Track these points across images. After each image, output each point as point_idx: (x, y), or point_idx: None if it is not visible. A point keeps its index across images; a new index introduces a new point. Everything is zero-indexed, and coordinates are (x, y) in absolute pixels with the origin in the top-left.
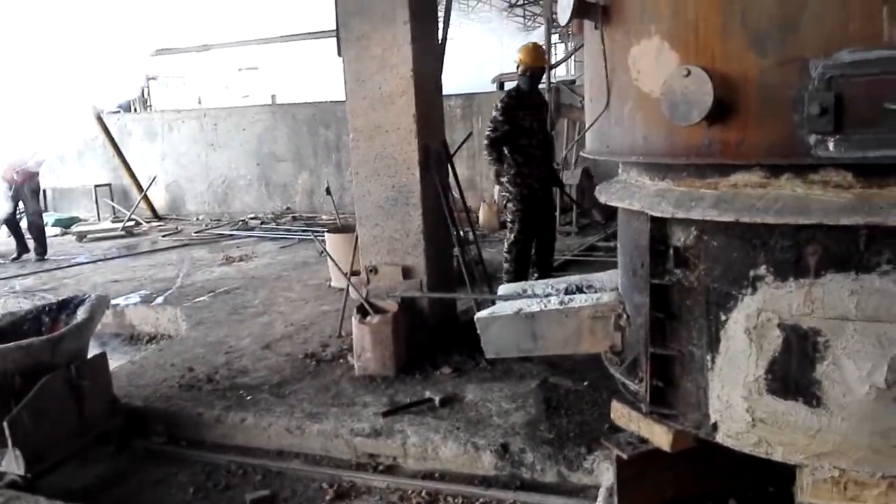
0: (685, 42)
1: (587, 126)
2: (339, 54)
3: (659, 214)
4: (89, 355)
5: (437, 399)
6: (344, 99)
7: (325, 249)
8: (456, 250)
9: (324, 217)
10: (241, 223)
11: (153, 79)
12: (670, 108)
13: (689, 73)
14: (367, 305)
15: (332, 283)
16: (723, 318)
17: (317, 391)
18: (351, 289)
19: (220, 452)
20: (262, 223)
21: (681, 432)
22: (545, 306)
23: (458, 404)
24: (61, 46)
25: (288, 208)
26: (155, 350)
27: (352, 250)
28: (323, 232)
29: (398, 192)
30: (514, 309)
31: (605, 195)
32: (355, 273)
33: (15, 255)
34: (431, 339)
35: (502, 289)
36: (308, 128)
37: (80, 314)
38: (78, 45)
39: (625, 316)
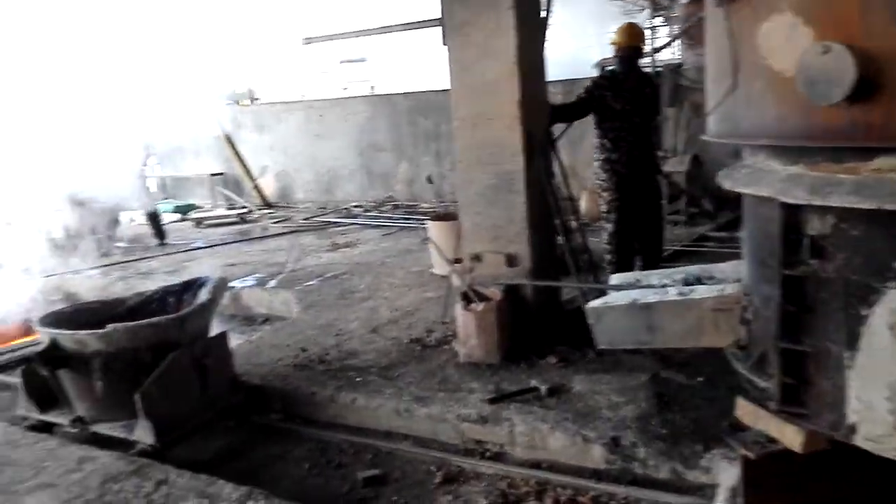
0: (820, 17)
1: (710, 108)
2: (444, 43)
3: (792, 201)
4: (211, 334)
5: (543, 388)
6: (442, 89)
7: (429, 237)
8: (560, 238)
9: (423, 205)
10: (345, 211)
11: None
12: (808, 87)
13: (827, 49)
14: (470, 293)
15: (435, 270)
16: (863, 312)
17: (423, 375)
18: (454, 276)
19: (332, 431)
20: (364, 211)
21: (814, 433)
22: (663, 297)
23: (566, 395)
24: (176, 43)
25: (389, 196)
26: (270, 330)
27: (453, 238)
28: (425, 220)
29: (501, 180)
30: (628, 299)
31: (729, 181)
32: (458, 260)
33: (159, 242)
34: (536, 328)
35: (614, 278)
36: (408, 118)
37: (203, 295)
38: (191, 42)
39: (751, 309)
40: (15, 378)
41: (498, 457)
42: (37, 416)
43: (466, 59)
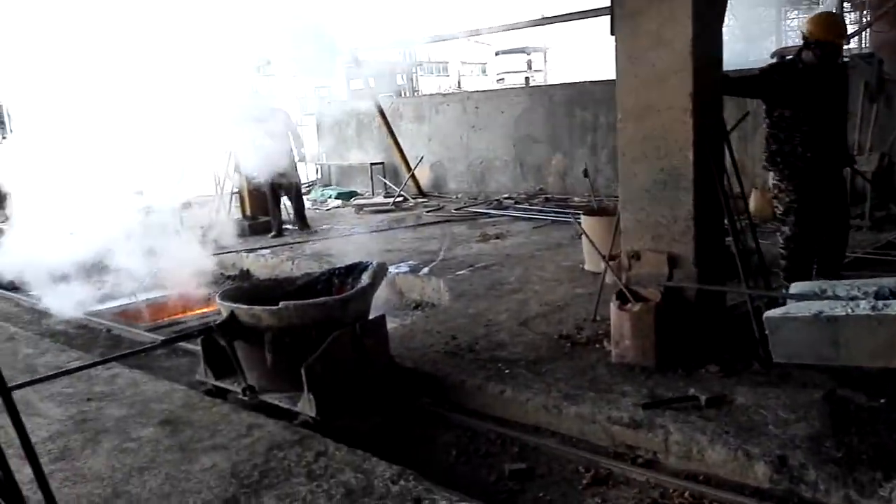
0: None
1: None
2: (612, 32)
3: None
4: (371, 316)
5: (702, 398)
6: (602, 80)
7: (583, 231)
8: (729, 239)
9: (576, 199)
10: (496, 202)
11: (419, 64)
12: None
13: None
14: (626, 292)
15: (586, 266)
16: None
17: (573, 373)
18: (607, 273)
19: (479, 420)
20: (515, 203)
21: None
22: (852, 311)
23: (727, 406)
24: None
25: (541, 189)
26: (422, 316)
27: (608, 234)
28: (578, 214)
29: (668, 176)
30: (812, 311)
31: None
32: (613, 257)
33: (300, 228)
34: (696, 333)
35: (795, 287)
36: (564, 109)
37: (364, 279)
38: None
39: None
40: (196, 346)
41: (650, 464)
42: (213, 382)
43: (636, 49)
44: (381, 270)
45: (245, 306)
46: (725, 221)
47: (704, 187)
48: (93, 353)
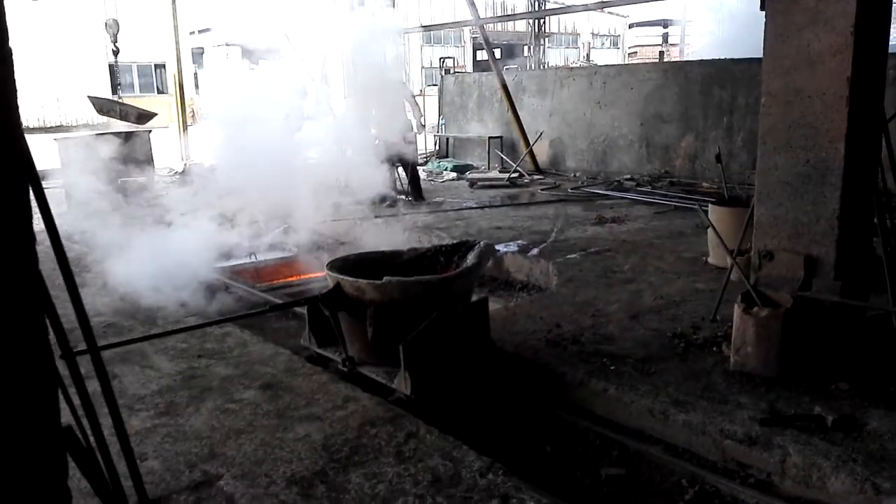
0: None
1: None
2: (762, 7)
3: None
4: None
5: (829, 418)
6: (745, 58)
7: (709, 222)
8: (878, 240)
9: (704, 184)
10: (615, 183)
11: (548, 36)
12: None
13: None
14: (753, 294)
15: (710, 260)
16: None
17: (684, 377)
18: (733, 271)
19: (578, 416)
20: (637, 185)
21: None
22: None
23: (857, 431)
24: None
25: (666, 172)
26: (527, 300)
27: (738, 227)
28: (706, 202)
29: (813, 168)
30: None
31: None
32: (742, 252)
33: (415, 199)
34: (828, 345)
35: None
36: (701, 87)
37: (470, 259)
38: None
39: None
40: (304, 310)
41: (763, 486)
42: (315, 349)
43: (789, 26)
44: (487, 251)
45: (350, 278)
46: (874, 221)
47: (854, 183)
48: (210, 309)
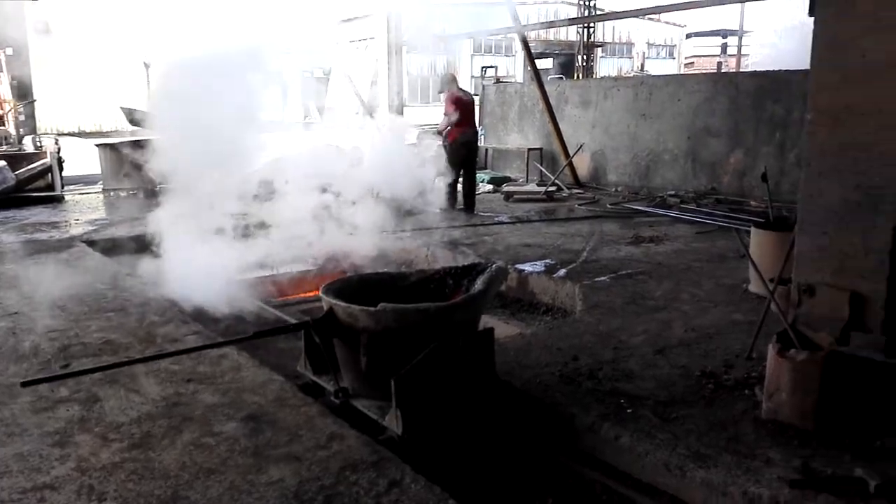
0: None
1: None
2: (810, 13)
3: None
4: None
5: (872, 483)
6: (802, 69)
7: (744, 247)
8: None
9: (752, 203)
10: (658, 199)
11: (601, 45)
12: None
13: None
14: (791, 333)
15: (751, 287)
16: None
17: (709, 426)
18: (773, 304)
19: (585, 465)
20: (681, 202)
21: None
22: None
23: None
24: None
25: (713, 188)
26: (545, 328)
27: (780, 252)
28: (748, 223)
29: (864, 195)
30: None
31: None
32: (783, 282)
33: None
34: (875, 396)
35: None
36: (753, 101)
37: (478, 284)
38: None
39: None
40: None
41: None
42: (310, 376)
43: (843, 34)
44: (497, 275)
45: (343, 304)
46: None
47: None
48: (213, 327)
